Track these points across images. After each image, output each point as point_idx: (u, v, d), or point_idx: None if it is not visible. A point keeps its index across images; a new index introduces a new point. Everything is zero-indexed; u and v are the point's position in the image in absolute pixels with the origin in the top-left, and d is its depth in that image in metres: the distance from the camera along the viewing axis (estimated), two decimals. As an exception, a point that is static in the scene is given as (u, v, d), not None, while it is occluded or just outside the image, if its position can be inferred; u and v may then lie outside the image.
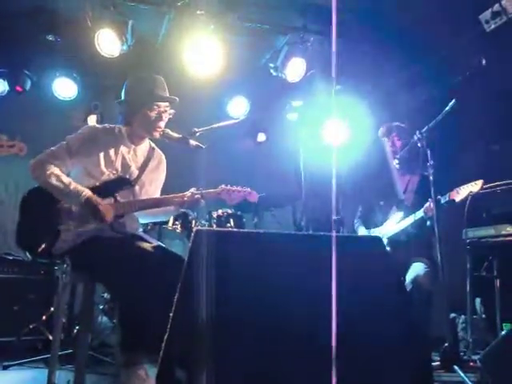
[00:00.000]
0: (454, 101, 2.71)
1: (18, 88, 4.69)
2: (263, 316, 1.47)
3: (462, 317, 4.01)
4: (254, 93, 5.25)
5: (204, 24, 4.01)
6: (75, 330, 3.77)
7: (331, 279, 1.46)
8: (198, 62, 4.39)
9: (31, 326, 3.86)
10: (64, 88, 4.92)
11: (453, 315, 3.99)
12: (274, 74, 4.61)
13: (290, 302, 1.46)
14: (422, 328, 1.85)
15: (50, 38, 4.51)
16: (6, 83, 4.69)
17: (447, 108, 2.75)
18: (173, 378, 1.74)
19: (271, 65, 4.59)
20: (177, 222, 4.00)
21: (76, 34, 4.36)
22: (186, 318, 1.56)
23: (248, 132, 5.57)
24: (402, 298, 1.60)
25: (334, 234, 1.45)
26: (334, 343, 1.47)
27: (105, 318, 4.12)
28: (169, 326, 1.67)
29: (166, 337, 1.74)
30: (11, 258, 4.17)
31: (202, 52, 4.29)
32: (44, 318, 3.92)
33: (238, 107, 5.28)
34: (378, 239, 1.60)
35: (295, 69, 4.50)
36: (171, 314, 1.67)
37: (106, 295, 4.10)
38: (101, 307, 4.02)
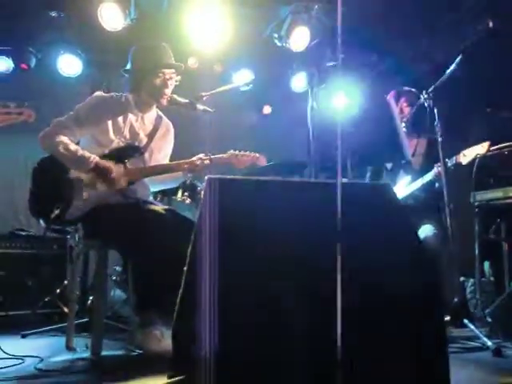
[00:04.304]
0: (460, 57, 2.68)
1: (23, 65, 4.69)
2: (274, 264, 1.49)
3: (471, 280, 4.03)
4: (259, 65, 5.21)
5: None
6: (89, 302, 3.83)
7: (339, 225, 1.49)
8: (202, 34, 4.37)
9: (46, 299, 3.94)
10: (69, 65, 4.90)
11: (461, 279, 4.02)
12: (279, 43, 4.58)
13: (301, 250, 1.48)
14: (436, 281, 1.86)
15: (54, 14, 4.49)
16: (10, 61, 4.68)
17: (454, 65, 2.72)
18: (189, 334, 1.77)
19: (275, 35, 4.56)
20: (186, 194, 4.02)
21: (80, 10, 4.34)
22: (200, 270, 1.59)
23: (253, 104, 5.57)
24: (416, 247, 1.61)
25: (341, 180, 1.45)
26: (339, 293, 1.49)
27: (118, 291, 4.17)
28: (184, 278, 1.70)
29: (180, 293, 1.77)
30: (24, 233, 4.23)
31: (206, 24, 4.27)
32: (58, 291, 3.99)
33: (243, 80, 5.25)
34: (388, 185, 1.61)
35: (300, 38, 4.47)
36: (185, 268, 1.70)
37: (118, 268, 4.16)
38: (113, 278, 4.07)
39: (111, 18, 4.15)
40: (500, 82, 4.25)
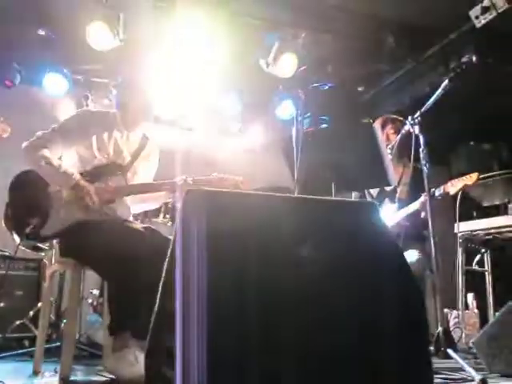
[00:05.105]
0: (446, 82, 2.69)
1: (8, 82, 4.64)
2: (257, 282, 1.41)
3: (454, 312, 3.98)
4: (246, 90, 5.24)
5: (196, 18, 4.01)
6: (62, 325, 3.69)
7: (324, 243, 1.44)
8: (189, 57, 4.39)
9: (18, 323, 3.78)
10: (54, 84, 4.87)
11: (445, 310, 3.96)
12: (266, 69, 4.60)
13: (285, 265, 1.42)
14: (423, 303, 1.80)
15: (41, 32, 4.47)
16: (-6, 77, 4.64)
17: (440, 90, 2.71)
18: (163, 355, 1.69)
19: (262, 60, 4.58)
20: (167, 216, 3.95)
21: (68, 29, 4.33)
22: (186, 288, 1.50)
23: (238, 128, 5.57)
24: (400, 266, 1.55)
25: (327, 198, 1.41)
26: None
27: (93, 316, 4.04)
28: (159, 297, 1.62)
29: (155, 312, 1.69)
30: (-1, 253, 4.09)
31: (194, 47, 4.29)
32: (31, 314, 3.83)
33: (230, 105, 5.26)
34: (373, 204, 1.57)
35: (287, 64, 4.50)
36: (160, 284, 1.62)
37: (94, 291, 4.03)
38: (89, 301, 3.94)
39: (100, 37, 4.14)
40: (484, 113, 4.33)
